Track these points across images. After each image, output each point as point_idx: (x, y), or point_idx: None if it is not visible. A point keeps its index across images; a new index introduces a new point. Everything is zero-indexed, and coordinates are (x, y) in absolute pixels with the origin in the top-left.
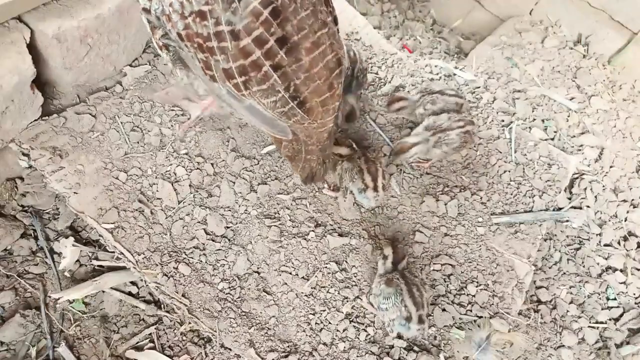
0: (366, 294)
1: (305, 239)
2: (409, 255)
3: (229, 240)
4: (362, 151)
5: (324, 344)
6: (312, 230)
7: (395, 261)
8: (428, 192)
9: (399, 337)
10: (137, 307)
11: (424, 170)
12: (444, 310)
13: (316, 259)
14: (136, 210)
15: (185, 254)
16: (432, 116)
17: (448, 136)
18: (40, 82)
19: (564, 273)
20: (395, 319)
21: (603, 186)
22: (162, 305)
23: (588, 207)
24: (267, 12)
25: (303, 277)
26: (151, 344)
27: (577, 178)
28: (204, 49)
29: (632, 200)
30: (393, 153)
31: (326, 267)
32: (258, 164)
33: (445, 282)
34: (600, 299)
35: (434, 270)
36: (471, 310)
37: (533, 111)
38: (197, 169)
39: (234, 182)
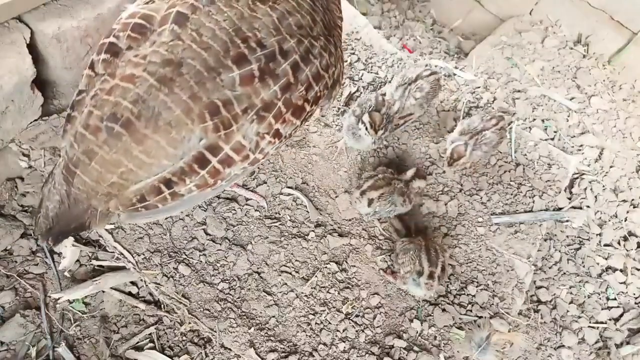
0: (390, 256)
1: (305, 239)
2: None
3: (229, 240)
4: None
5: (324, 344)
6: (312, 231)
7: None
8: (428, 193)
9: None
10: (137, 307)
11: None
12: (444, 310)
13: (316, 259)
14: None
15: (185, 255)
16: (464, 120)
17: (485, 136)
18: (40, 82)
19: (564, 273)
20: (409, 271)
21: (603, 186)
22: (162, 305)
23: (588, 207)
24: None
25: (303, 278)
26: (151, 344)
27: (577, 178)
28: None
29: (632, 200)
30: (449, 161)
31: (326, 267)
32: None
33: (445, 282)
34: (600, 299)
35: None
36: (471, 311)
37: (533, 111)
38: None
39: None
